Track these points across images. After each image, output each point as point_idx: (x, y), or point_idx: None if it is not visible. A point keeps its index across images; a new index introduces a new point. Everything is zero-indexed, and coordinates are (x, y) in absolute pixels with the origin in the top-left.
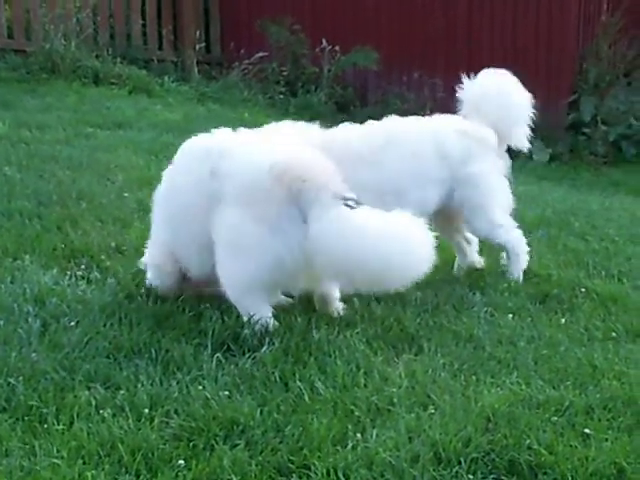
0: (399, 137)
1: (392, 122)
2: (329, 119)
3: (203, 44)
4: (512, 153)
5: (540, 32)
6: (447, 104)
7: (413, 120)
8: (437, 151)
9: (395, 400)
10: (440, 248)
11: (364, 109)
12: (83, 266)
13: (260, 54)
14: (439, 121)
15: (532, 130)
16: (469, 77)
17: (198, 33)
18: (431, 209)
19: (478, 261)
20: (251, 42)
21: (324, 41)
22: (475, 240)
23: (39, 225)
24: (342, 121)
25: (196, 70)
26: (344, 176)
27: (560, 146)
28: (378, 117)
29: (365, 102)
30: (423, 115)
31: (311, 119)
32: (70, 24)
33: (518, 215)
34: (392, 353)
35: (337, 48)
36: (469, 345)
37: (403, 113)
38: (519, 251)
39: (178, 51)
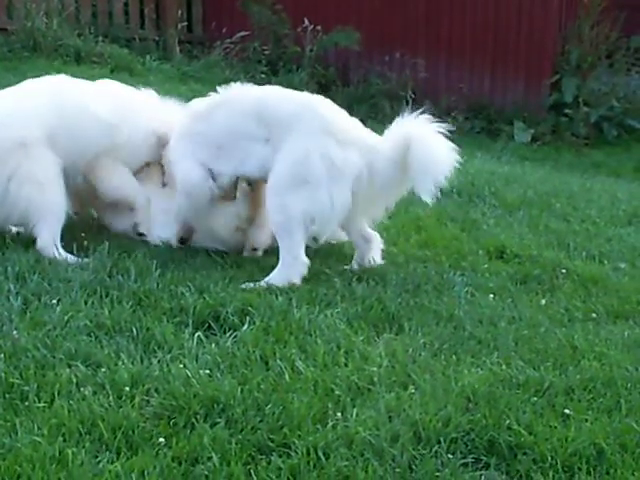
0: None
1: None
2: None
3: (185, 23)
4: (494, 133)
5: (522, 13)
6: (428, 84)
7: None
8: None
9: (375, 379)
10: (422, 228)
11: (346, 89)
12: (63, 244)
13: (242, 33)
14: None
15: (514, 111)
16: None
17: (180, 12)
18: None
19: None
20: (233, 21)
21: (306, 20)
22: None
23: None
24: None
25: (178, 49)
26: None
27: (542, 127)
28: (360, 97)
29: (347, 82)
30: (405, 95)
31: None
32: (52, 2)
33: (500, 195)
34: (373, 333)
35: (319, 28)
36: (450, 325)
37: (385, 93)
38: None
39: (160, 30)
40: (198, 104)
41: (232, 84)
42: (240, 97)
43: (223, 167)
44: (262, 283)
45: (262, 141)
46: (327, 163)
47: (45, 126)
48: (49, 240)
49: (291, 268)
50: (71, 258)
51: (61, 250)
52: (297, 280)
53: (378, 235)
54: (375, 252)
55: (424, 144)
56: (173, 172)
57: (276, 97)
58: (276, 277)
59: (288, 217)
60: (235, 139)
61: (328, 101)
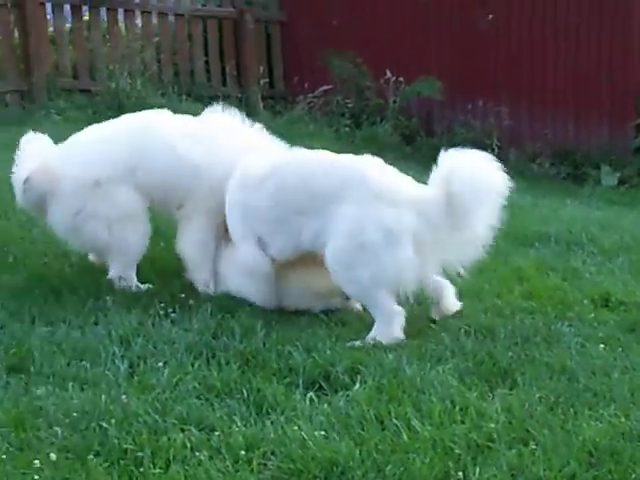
0: None
1: None
2: (395, 150)
3: (267, 79)
4: (580, 178)
5: (602, 57)
6: (513, 131)
7: None
8: None
9: (494, 436)
10: (523, 278)
11: (430, 139)
12: (163, 304)
13: (324, 87)
14: None
15: (600, 155)
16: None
17: (261, 68)
18: None
19: None
20: (314, 76)
21: (388, 72)
22: None
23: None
24: (408, 153)
25: (261, 105)
26: None
27: (628, 170)
28: (444, 146)
29: (431, 132)
30: (490, 143)
31: (377, 151)
32: (135, 63)
33: (597, 241)
34: (486, 388)
35: (401, 79)
36: (563, 377)
37: (469, 141)
38: None
39: (242, 87)
40: (249, 170)
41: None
42: (288, 168)
43: (281, 243)
44: (368, 340)
45: (314, 214)
46: (382, 229)
47: (124, 165)
48: (120, 273)
49: (388, 325)
50: (139, 286)
51: (134, 282)
52: (398, 333)
53: (448, 282)
54: (450, 300)
55: (464, 174)
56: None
57: (322, 167)
58: (378, 336)
59: (361, 287)
60: (288, 213)
61: (377, 161)
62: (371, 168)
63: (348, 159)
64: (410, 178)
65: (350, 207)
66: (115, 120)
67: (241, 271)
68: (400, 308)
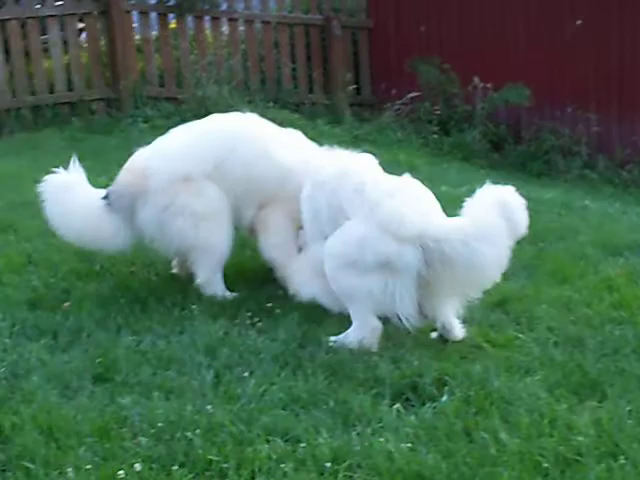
0: None
1: None
2: (483, 158)
3: (354, 86)
4: None
5: None
6: (601, 138)
7: None
8: None
9: (583, 450)
10: (613, 288)
11: (518, 146)
12: (249, 313)
13: (411, 94)
14: None
15: None
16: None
17: (348, 75)
18: None
19: None
20: (401, 82)
21: (476, 79)
22: None
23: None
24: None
25: (348, 112)
26: None
27: None
28: (533, 154)
29: (519, 139)
30: (579, 150)
31: (465, 158)
32: (221, 70)
33: None
34: (575, 400)
35: (489, 85)
36: None
37: (558, 148)
38: None
39: (329, 94)
40: (317, 172)
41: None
42: (344, 176)
43: None
44: (338, 339)
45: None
46: (380, 257)
47: (214, 161)
48: (207, 277)
49: (360, 330)
50: (229, 294)
51: (221, 287)
52: (371, 344)
53: (462, 328)
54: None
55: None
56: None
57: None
58: (349, 339)
59: (340, 287)
60: (340, 216)
61: (414, 183)
62: (404, 190)
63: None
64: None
65: (359, 221)
66: (204, 119)
67: (311, 272)
68: (378, 324)
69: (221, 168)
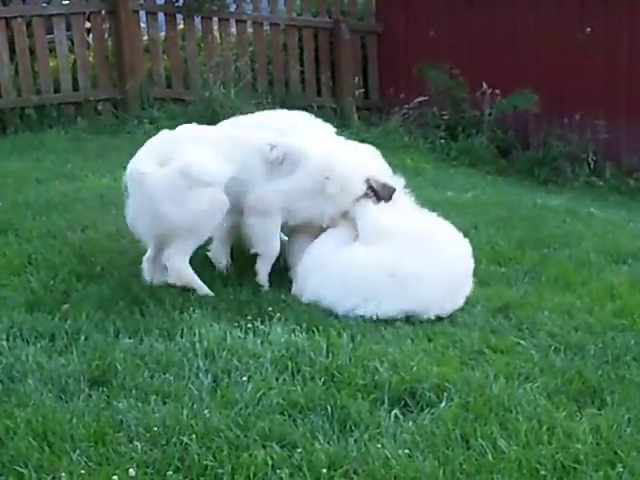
0: None
1: None
2: (491, 163)
3: (362, 90)
4: None
5: None
6: (609, 145)
7: None
8: None
9: (581, 458)
10: (616, 295)
11: (526, 152)
12: (249, 317)
13: (420, 99)
14: None
15: None
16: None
17: (357, 79)
18: None
19: None
20: (410, 87)
21: (484, 84)
22: None
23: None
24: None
25: (356, 116)
26: None
27: None
28: (540, 160)
29: (527, 145)
30: (586, 157)
31: (472, 164)
32: (229, 72)
33: None
34: (574, 407)
35: (497, 91)
36: None
37: (565, 155)
38: None
39: (337, 97)
40: None
41: None
42: None
43: None
44: None
45: None
46: None
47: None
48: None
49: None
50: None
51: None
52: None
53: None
54: None
55: None
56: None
57: None
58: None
59: None
60: None
61: None
62: None
63: None
64: None
65: None
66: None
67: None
68: None
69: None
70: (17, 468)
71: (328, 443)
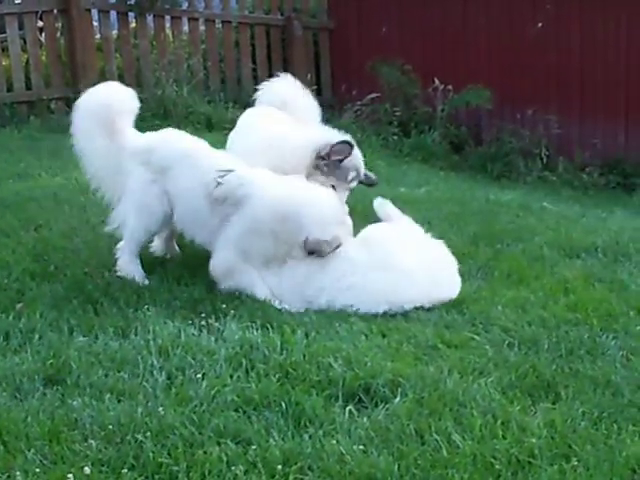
0: None
1: None
2: (443, 159)
3: (314, 87)
4: (629, 188)
5: None
6: (562, 140)
7: None
8: None
9: (536, 452)
10: (569, 290)
11: (479, 148)
12: (203, 314)
13: (372, 95)
14: None
15: None
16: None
17: (309, 76)
18: None
19: None
20: (362, 84)
21: (436, 80)
22: None
23: (156, 276)
24: (456, 162)
25: None
26: None
27: None
28: (493, 156)
29: (479, 141)
30: (539, 152)
31: (425, 160)
32: (181, 70)
33: None
34: (529, 402)
35: (449, 87)
36: (607, 392)
37: (518, 150)
38: None
39: None
40: None
41: None
42: None
43: None
44: None
45: None
46: None
47: None
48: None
49: None
50: None
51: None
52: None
53: None
54: None
55: None
56: None
57: None
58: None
59: None
60: None
61: None
62: None
63: None
64: None
65: None
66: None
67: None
68: None
69: None
70: None
71: (283, 439)
